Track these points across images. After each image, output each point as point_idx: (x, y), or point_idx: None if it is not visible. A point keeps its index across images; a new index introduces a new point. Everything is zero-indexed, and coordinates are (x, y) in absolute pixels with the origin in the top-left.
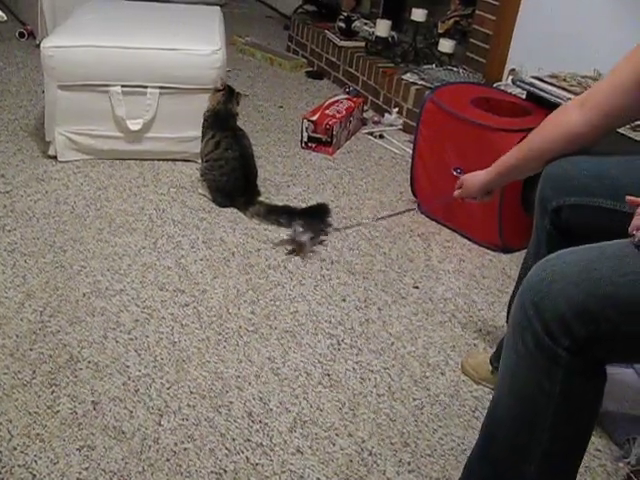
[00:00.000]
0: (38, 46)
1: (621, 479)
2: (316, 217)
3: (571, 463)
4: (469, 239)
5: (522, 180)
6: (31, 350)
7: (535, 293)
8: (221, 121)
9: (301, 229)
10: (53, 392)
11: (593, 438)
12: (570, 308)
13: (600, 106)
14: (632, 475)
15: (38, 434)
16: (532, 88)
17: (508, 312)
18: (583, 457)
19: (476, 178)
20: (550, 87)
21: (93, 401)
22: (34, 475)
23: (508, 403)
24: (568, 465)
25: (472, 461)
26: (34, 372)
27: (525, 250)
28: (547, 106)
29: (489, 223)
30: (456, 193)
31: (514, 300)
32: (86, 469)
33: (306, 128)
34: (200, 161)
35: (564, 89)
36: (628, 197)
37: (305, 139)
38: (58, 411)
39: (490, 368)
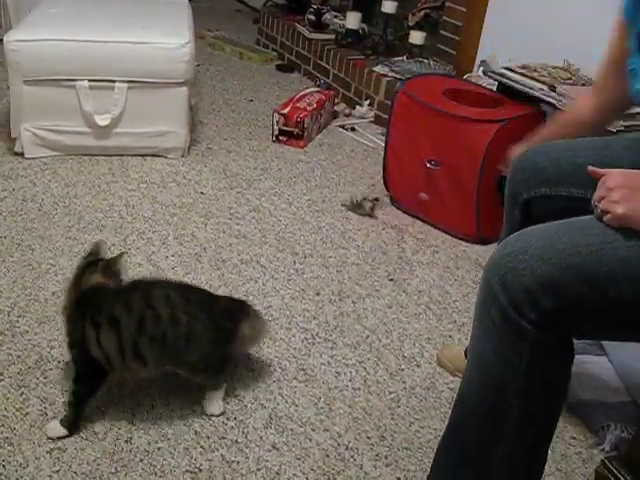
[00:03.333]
0: (1, 40)
1: (596, 465)
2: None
3: (540, 443)
4: (443, 231)
5: (499, 170)
6: None
7: (500, 267)
8: None
9: None
10: (22, 394)
11: (569, 426)
12: (536, 280)
13: (597, 88)
14: (607, 461)
15: (7, 437)
16: (503, 79)
17: None
18: (552, 439)
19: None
20: (521, 77)
21: (64, 402)
22: None
23: (476, 382)
24: (537, 446)
25: (440, 446)
26: (2, 374)
27: None
28: (518, 97)
29: (466, 214)
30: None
31: (481, 279)
32: (57, 472)
33: (277, 121)
34: None
35: (535, 79)
36: (590, 167)
37: (276, 132)
38: (27, 413)
39: (466, 360)
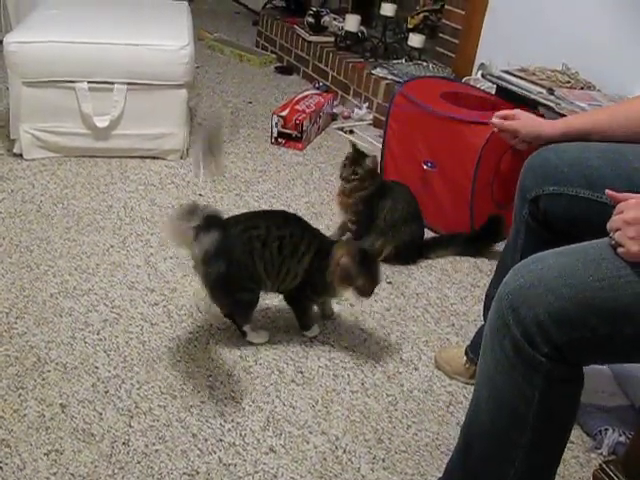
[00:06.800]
0: (1, 42)
1: (594, 469)
2: None
3: (550, 463)
4: (438, 232)
5: (493, 172)
6: None
7: (513, 299)
8: None
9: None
10: (20, 395)
11: None
12: (549, 315)
13: None
14: (604, 465)
15: (4, 439)
16: (501, 82)
17: (485, 307)
18: (561, 457)
19: (538, 126)
20: (519, 80)
21: (61, 404)
22: None
23: (487, 408)
24: (548, 466)
25: (452, 467)
26: (0, 375)
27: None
28: (516, 100)
29: (461, 215)
30: (497, 120)
31: (492, 305)
32: (54, 474)
33: (276, 124)
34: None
35: (533, 82)
36: (608, 191)
37: (275, 135)
38: (25, 415)
39: (464, 360)
